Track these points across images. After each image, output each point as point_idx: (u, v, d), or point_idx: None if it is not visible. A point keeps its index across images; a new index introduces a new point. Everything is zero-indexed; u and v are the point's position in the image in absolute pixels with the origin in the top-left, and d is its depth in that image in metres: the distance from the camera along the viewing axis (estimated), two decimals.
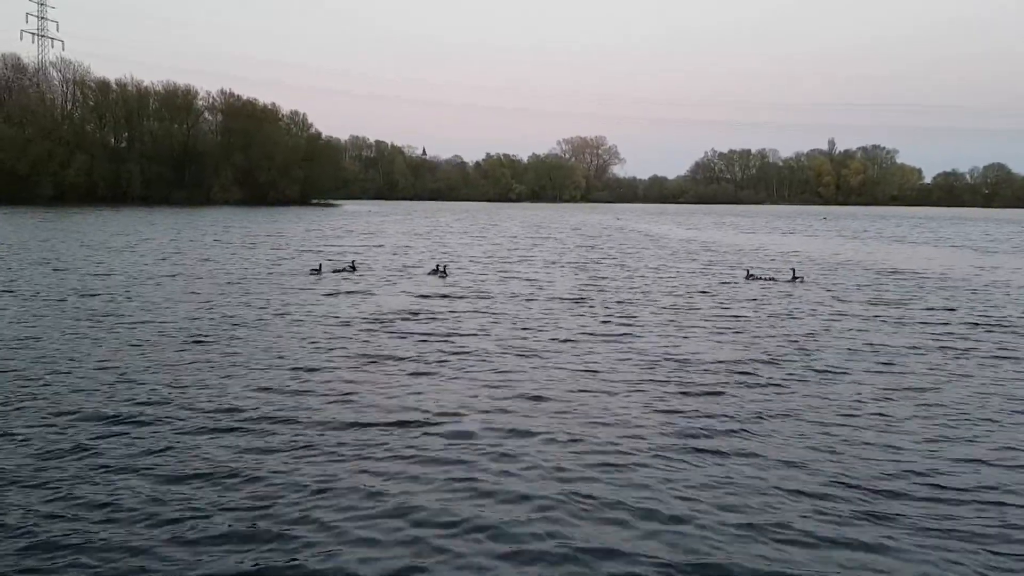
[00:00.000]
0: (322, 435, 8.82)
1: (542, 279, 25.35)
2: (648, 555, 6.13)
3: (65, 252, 31.83)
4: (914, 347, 14.40)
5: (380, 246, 39.89)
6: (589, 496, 7.20)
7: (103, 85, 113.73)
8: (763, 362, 12.85)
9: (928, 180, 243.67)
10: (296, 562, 5.96)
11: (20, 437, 8.62)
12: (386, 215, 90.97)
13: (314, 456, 8.15)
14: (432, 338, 14.58)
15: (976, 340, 15.26)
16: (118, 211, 79.22)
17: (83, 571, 5.82)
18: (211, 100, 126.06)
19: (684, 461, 8.17)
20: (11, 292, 20.06)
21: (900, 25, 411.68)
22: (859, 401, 10.61)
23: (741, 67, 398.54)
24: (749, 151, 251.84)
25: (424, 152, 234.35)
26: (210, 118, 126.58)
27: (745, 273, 26.99)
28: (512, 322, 16.54)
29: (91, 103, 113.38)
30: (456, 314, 17.52)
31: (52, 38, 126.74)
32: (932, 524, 6.78)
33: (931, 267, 31.91)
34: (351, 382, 11.19)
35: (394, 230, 57.01)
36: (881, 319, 17.62)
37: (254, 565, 5.92)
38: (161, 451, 8.25)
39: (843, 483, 7.63)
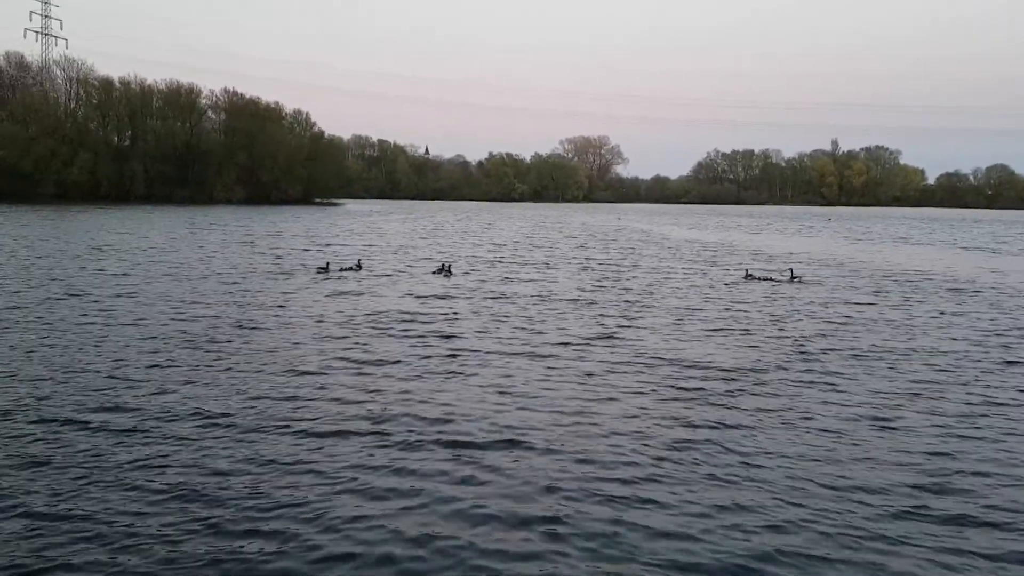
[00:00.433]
0: (322, 438, 8.77)
1: (544, 279, 25.38)
2: (651, 563, 6.10)
3: (64, 250, 31.90)
4: (916, 350, 14.39)
5: (384, 246, 39.94)
6: (592, 502, 7.14)
7: (106, 83, 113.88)
8: (766, 366, 12.81)
9: (931, 181, 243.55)
10: (288, 570, 5.93)
11: (3, 441, 8.46)
12: (389, 214, 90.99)
13: (311, 459, 8.08)
14: (435, 340, 14.57)
15: (984, 343, 15.20)
16: (120, 209, 79.25)
17: None
18: (214, 99, 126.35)
19: (686, 465, 8.12)
20: (8, 289, 20.09)
21: (903, 25, 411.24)
22: (863, 405, 10.55)
23: (744, 67, 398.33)
24: (752, 151, 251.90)
25: (427, 151, 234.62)
26: (213, 117, 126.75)
27: (744, 273, 27.13)
28: (515, 324, 16.55)
29: (94, 101, 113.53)
30: (459, 315, 17.53)
31: (56, 36, 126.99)
32: (942, 531, 6.74)
33: (935, 268, 31.88)
34: (352, 387, 11.10)
35: (397, 229, 57.03)
36: (885, 321, 17.62)
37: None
38: (152, 457, 8.09)
39: (847, 489, 7.58)
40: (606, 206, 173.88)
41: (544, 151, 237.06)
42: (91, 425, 9.07)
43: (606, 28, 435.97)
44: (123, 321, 15.99)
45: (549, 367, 12.44)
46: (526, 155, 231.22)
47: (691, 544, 6.38)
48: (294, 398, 10.39)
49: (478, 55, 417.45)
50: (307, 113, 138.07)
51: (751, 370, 12.39)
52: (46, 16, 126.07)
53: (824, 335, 15.63)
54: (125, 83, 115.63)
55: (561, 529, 6.57)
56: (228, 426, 9.14)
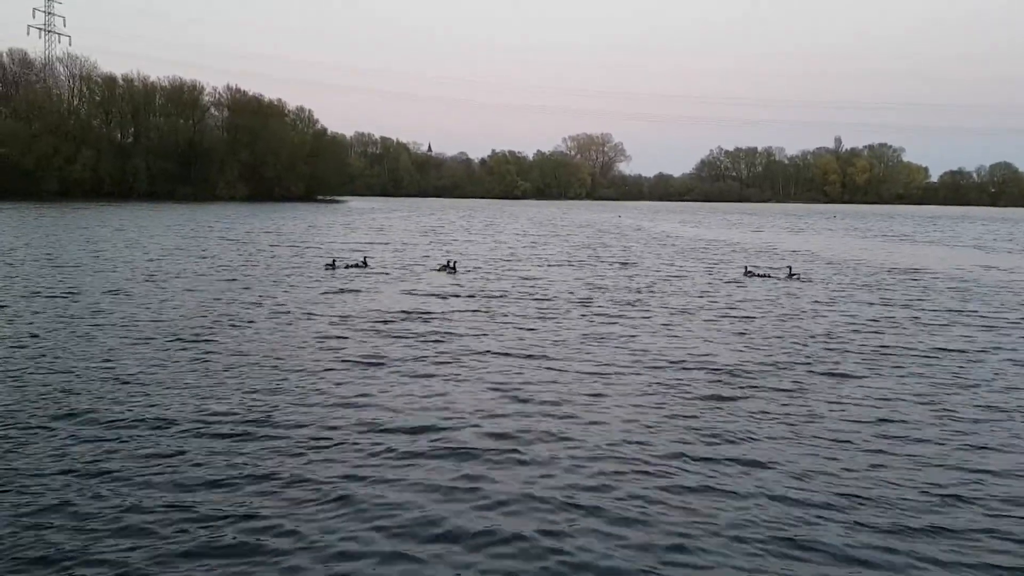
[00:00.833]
0: (319, 441, 8.69)
1: (546, 278, 25.33)
2: (653, 569, 6.04)
3: (66, 247, 31.89)
4: (920, 349, 14.33)
5: (387, 243, 39.92)
6: (593, 507, 7.05)
7: (109, 80, 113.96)
8: (769, 367, 12.75)
9: (934, 178, 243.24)
10: (288, 568, 5.90)
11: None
12: (391, 212, 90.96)
13: (306, 462, 7.98)
14: (438, 339, 14.50)
15: (989, 342, 15.13)
16: (122, 207, 79.26)
17: None
18: (217, 96, 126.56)
19: (687, 470, 8.01)
20: (6, 288, 20.05)
21: (906, 22, 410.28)
22: (868, 407, 10.49)
23: (747, 65, 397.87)
24: (755, 149, 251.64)
25: (429, 148, 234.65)
26: (216, 114, 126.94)
27: (744, 270, 27.51)
28: (517, 323, 16.49)
29: (97, 98, 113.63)
30: (463, 313, 17.50)
31: (59, 33, 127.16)
32: (949, 535, 6.68)
33: (940, 266, 31.78)
34: (353, 384, 11.07)
35: (400, 227, 56.99)
36: (887, 319, 17.55)
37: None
38: (148, 457, 8.01)
39: (850, 492, 7.50)
40: (609, 204, 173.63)
41: (547, 149, 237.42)
42: (77, 427, 8.92)
43: (609, 25, 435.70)
44: (121, 320, 15.88)
45: (551, 368, 12.34)
46: (529, 153, 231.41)
47: (692, 548, 6.31)
48: (296, 398, 10.31)
49: (481, 52, 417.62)
50: (310, 110, 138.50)
51: (754, 371, 12.33)
52: (49, 13, 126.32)
53: (826, 334, 15.55)
54: (128, 80, 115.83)
55: (559, 538, 6.46)
56: (224, 428, 9.00)
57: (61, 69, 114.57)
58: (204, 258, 29.30)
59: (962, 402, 10.73)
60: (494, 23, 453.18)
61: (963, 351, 14.20)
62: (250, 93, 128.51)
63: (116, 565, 5.89)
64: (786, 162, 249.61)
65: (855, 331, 16.00)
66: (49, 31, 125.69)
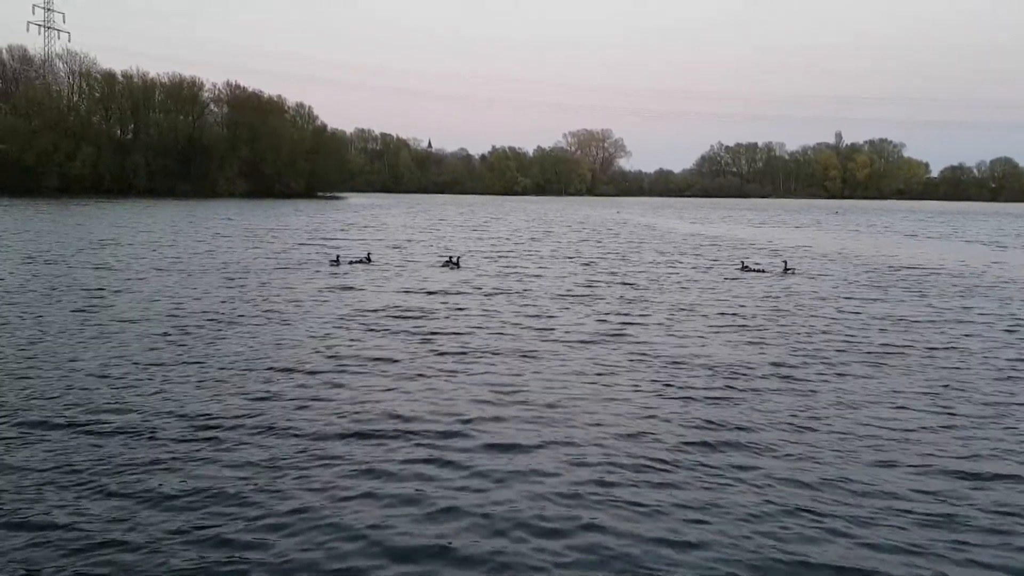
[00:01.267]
0: (323, 440, 8.63)
1: (547, 275, 25.34)
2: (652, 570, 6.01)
3: (63, 244, 31.87)
4: (918, 347, 14.31)
5: (389, 240, 39.93)
6: (592, 508, 7.00)
7: (109, 77, 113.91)
8: (765, 363, 12.77)
9: (935, 174, 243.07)
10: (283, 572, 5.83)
11: None
12: (391, 208, 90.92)
13: (300, 466, 7.88)
14: (441, 337, 14.45)
15: (991, 340, 15.08)
16: (122, 203, 79.21)
17: None
18: (217, 92, 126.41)
19: (687, 471, 7.96)
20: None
21: (907, 17, 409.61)
22: (869, 406, 10.47)
23: (747, 60, 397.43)
24: (756, 144, 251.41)
25: (430, 145, 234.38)
26: (216, 110, 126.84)
27: (740, 264, 27.98)
28: (518, 320, 16.46)
29: (97, 95, 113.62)
30: (466, 311, 17.47)
31: (58, 30, 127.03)
32: (953, 535, 6.66)
33: (941, 262, 31.76)
34: (352, 388, 10.96)
35: (401, 223, 56.97)
36: (890, 317, 17.54)
37: None
38: (141, 460, 7.85)
39: (860, 494, 7.43)
40: (609, 200, 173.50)
41: (547, 145, 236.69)
42: (75, 426, 8.82)
43: (610, 21, 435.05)
44: (115, 317, 15.77)
45: (552, 366, 12.30)
46: (529, 149, 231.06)
47: (691, 549, 6.28)
48: (297, 398, 10.23)
49: (481, 49, 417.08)
50: (309, 106, 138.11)
51: (752, 369, 12.32)
52: (49, 9, 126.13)
53: (822, 331, 15.54)
54: (127, 76, 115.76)
55: (557, 543, 6.41)
56: (222, 428, 8.86)
57: (61, 66, 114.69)
58: (204, 256, 29.28)
59: (964, 399, 10.71)
60: (494, 19, 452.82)
61: (965, 348, 14.18)
62: (250, 89, 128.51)
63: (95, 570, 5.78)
64: (787, 157, 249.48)
65: (851, 327, 15.99)
66: (49, 28, 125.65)
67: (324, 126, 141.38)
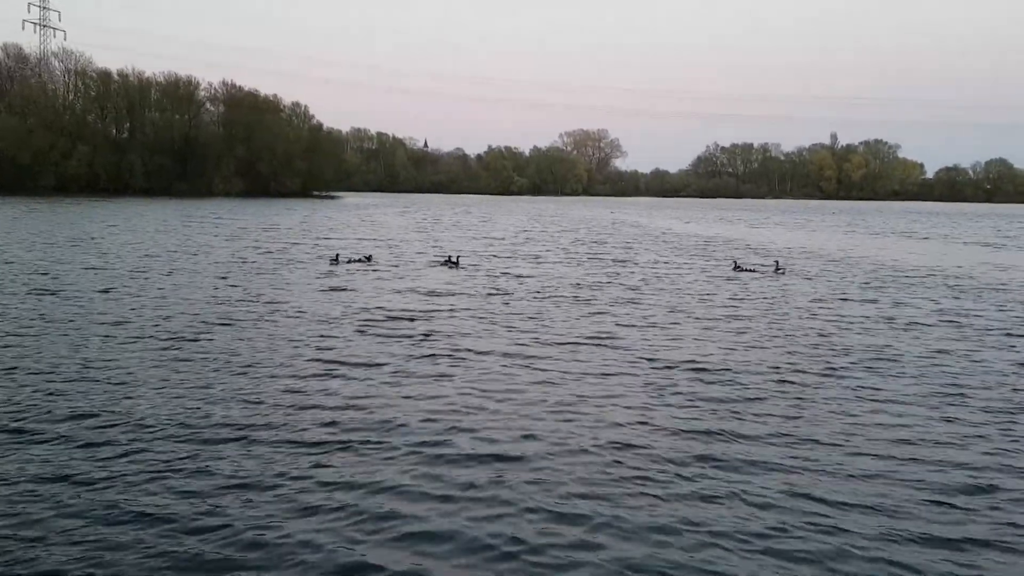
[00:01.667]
0: (323, 443, 8.62)
1: (543, 275, 25.42)
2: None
3: (53, 244, 31.87)
4: (912, 349, 14.40)
5: (387, 239, 40.00)
6: (589, 510, 6.96)
7: (104, 75, 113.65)
8: (759, 364, 12.88)
9: (930, 175, 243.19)
10: None
11: None
12: (387, 207, 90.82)
13: (299, 469, 7.86)
14: (434, 337, 14.49)
15: (996, 344, 15.10)
16: (117, 202, 79.00)
17: None
18: (212, 91, 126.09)
19: (680, 480, 7.83)
20: None
21: (902, 18, 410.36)
22: (865, 411, 10.48)
23: (743, 61, 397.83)
24: (751, 145, 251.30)
25: (426, 144, 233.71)
26: (212, 109, 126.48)
27: (733, 264, 28.33)
28: (514, 323, 16.53)
29: (93, 93, 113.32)
30: (465, 311, 17.54)
31: (54, 28, 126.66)
32: (947, 540, 6.67)
33: (935, 263, 31.89)
34: (351, 387, 10.97)
35: (398, 223, 56.96)
36: (883, 318, 17.66)
37: None
38: (125, 469, 7.63)
39: (855, 505, 7.36)
40: (605, 200, 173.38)
41: (543, 144, 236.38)
42: (57, 433, 8.59)
43: (604, 21, 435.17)
44: (102, 319, 15.50)
45: (547, 369, 12.23)
46: (525, 148, 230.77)
47: (684, 558, 6.22)
48: (294, 401, 10.12)
49: (478, 48, 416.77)
50: (305, 106, 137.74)
51: (746, 371, 12.39)
52: (44, 8, 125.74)
53: (815, 331, 15.65)
54: (123, 75, 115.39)
55: (549, 545, 6.38)
56: (213, 433, 8.74)
57: (56, 64, 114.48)
58: (203, 255, 29.30)
59: (962, 403, 10.73)
60: (490, 19, 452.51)
61: (957, 351, 14.22)
62: (245, 88, 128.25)
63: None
64: (782, 158, 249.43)
65: (842, 327, 16.10)
66: (44, 26, 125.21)
67: (320, 125, 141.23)
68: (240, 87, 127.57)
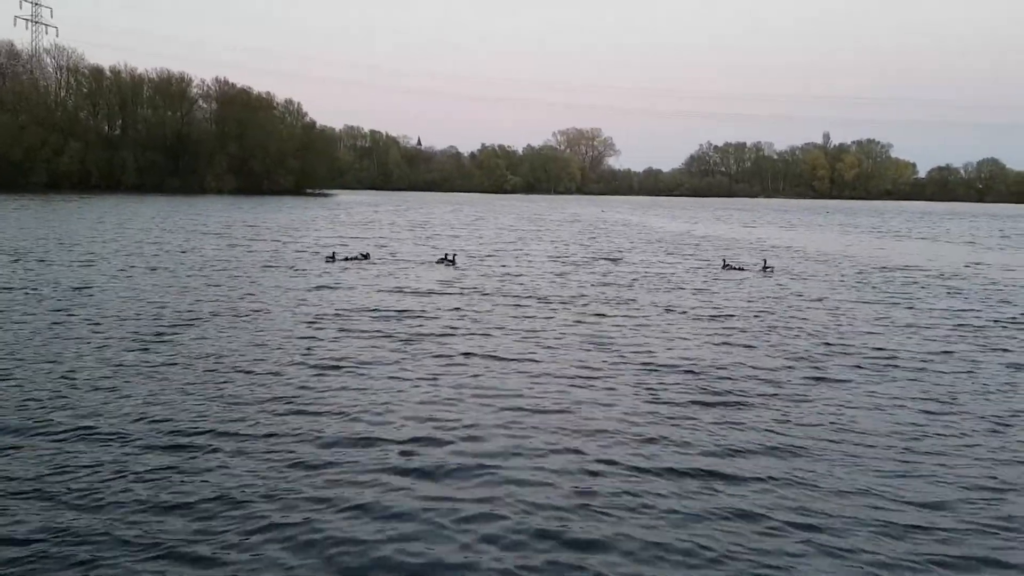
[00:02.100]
0: (322, 446, 8.59)
1: (538, 274, 25.39)
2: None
3: (41, 241, 31.74)
4: (903, 350, 14.42)
5: (381, 237, 39.94)
6: (583, 514, 6.91)
7: (97, 72, 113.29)
8: (751, 366, 12.84)
9: (922, 174, 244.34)
10: None
11: None
12: (381, 206, 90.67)
13: (290, 475, 7.82)
14: (427, 338, 14.42)
15: (985, 340, 15.16)
16: (109, 199, 78.69)
17: None
18: (205, 88, 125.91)
19: (671, 480, 7.82)
20: None
21: (895, 19, 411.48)
22: (849, 409, 10.51)
23: (736, 60, 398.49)
24: (744, 144, 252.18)
25: (419, 142, 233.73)
26: (204, 106, 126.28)
27: (722, 263, 28.66)
28: (510, 323, 16.49)
29: (84, 90, 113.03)
30: (464, 311, 17.46)
31: (46, 24, 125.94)
32: (939, 545, 6.67)
33: (926, 262, 31.98)
34: (350, 388, 10.90)
35: (392, 221, 56.88)
36: (877, 319, 17.70)
37: None
38: (111, 472, 7.49)
39: (845, 517, 7.40)
40: (598, 198, 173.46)
41: (537, 143, 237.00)
42: (33, 433, 8.46)
43: (604, 21, 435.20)
44: (86, 318, 15.21)
45: (539, 371, 12.13)
46: (519, 147, 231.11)
47: (676, 560, 6.23)
48: (290, 401, 10.03)
49: (471, 46, 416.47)
50: (299, 103, 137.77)
51: (739, 372, 12.36)
52: (36, 4, 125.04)
53: (809, 333, 15.61)
54: (115, 72, 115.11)
55: (540, 547, 6.37)
56: (194, 434, 8.57)
57: (48, 60, 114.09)
58: (193, 253, 29.19)
59: (955, 405, 10.73)
60: (484, 17, 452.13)
61: (949, 351, 14.21)
62: (238, 85, 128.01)
63: None
64: (775, 157, 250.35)
65: (829, 326, 16.11)
66: (36, 22, 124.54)
67: (313, 123, 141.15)
68: (233, 84, 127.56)
